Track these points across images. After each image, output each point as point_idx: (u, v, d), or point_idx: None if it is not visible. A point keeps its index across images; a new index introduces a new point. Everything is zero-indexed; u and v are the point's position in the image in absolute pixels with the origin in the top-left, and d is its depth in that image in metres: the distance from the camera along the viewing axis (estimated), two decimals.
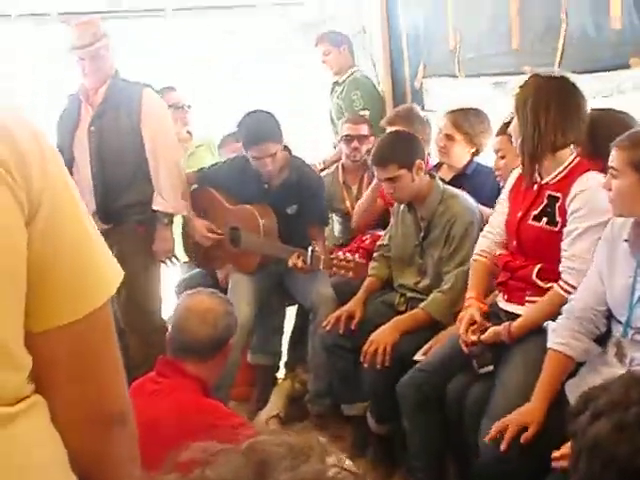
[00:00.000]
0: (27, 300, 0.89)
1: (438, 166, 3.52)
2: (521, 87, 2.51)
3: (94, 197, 3.50)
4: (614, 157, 2.09)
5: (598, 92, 2.77)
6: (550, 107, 2.40)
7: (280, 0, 5.62)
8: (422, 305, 3.00)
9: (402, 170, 2.99)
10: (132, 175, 3.55)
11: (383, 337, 2.94)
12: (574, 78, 2.47)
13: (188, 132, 4.45)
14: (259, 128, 3.40)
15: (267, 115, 3.47)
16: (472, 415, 2.49)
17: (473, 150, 3.37)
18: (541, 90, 2.44)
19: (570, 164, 2.46)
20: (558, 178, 2.47)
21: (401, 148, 3.04)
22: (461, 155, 3.39)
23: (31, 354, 0.91)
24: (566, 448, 1.83)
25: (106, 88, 3.53)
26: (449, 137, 3.35)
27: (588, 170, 2.41)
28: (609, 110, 2.66)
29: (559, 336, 2.23)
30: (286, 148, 3.54)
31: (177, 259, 3.84)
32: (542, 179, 2.51)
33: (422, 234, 3.11)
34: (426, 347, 2.90)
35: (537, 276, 2.48)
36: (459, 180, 3.38)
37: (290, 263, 3.30)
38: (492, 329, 2.52)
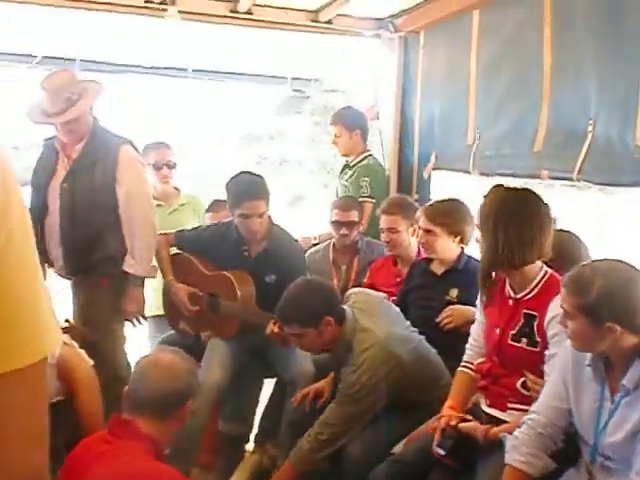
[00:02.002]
0: None
1: (429, 260, 3.50)
2: (484, 199, 2.54)
3: (61, 250, 3.49)
4: (564, 299, 2.10)
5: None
6: (509, 227, 2.43)
7: (300, 75, 5.71)
8: (290, 456, 2.95)
9: (306, 329, 2.90)
10: (101, 232, 3.51)
11: None
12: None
13: (175, 188, 4.44)
14: (251, 185, 3.46)
15: (257, 176, 3.55)
16: None
17: (457, 240, 3.34)
18: (502, 207, 2.47)
19: (543, 278, 2.49)
20: (532, 294, 2.49)
21: (306, 306, 2.91)
22: (447, 248, 3.35)
23: None
24: None
25: (83, 144, 3.50)
26: (428, 232, 3.33)
27: None
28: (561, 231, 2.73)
29: (519, 453, 2.23)
30: (269, 217, 3.56)
31: (144, 318, 3.79)
32: (516, 293, 2.53)
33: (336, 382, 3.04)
34: (405, 441, 2.86)
35: (521, 386, 2.50)
36: (451, 275, 3.37)
37: (268, 330, 3.30)
38: (474, 423, 2.54)
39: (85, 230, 3.47)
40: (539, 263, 2.50)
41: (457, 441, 2.53)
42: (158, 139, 4.42)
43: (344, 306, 3.01)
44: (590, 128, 2.89)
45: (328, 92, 5.41)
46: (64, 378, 2.69)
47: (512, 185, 2.64)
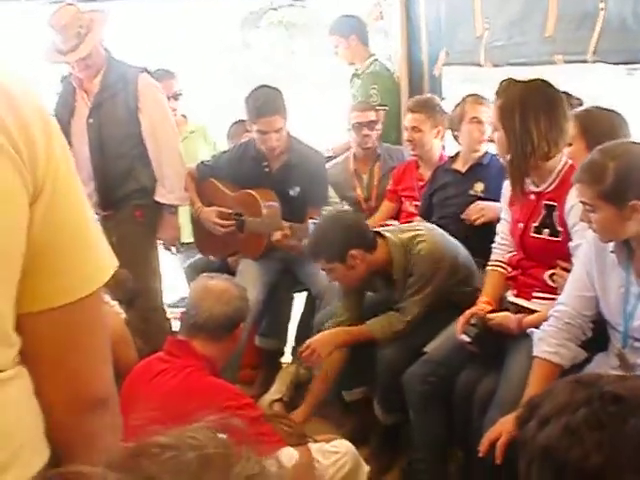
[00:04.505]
0: (21, 281, 0.89)
1: (454, 157, 3.49)
2: (500, 95, 2.47)
3: (95, 186, 3.53)
4: (581, 193, 2.06)
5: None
6: (540, 119, 2.38)
7: None
8: (368, 323, 2.94)
9: (333, 264, 2.86)
10: (131, 164, 3.56)
11: (320, 344, 2.91)
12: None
13: (183, 116, 4.42)
14: (267, 101, 3.43)
15: (274, 90, 3.51)
16: (480, 408, 2.50)
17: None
18: (527, 100, 2.41)
19: (562, 169, 2.47)
20: (553, 186, 2.48)
21: (329, 242, 2.84)
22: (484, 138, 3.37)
23: (22, 333, 0.92)
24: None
25: (101, 77, 3.49)
26: (478, 120, 3.33)
27: None
28: (595, 107, 2.69)
29: (548, 344, 2.24)
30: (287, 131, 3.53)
31: (181, 245, 3.86)
32: (537, 187, 2.52)
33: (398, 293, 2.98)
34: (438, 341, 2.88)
35: (549, 277, 2.52)
36: (476, 170, 3.37)
37: (273, 239, 3.35)
38: (504, 313, 2.55)
39: (116, 163, 3.53)
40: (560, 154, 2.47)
41: (483, 331, 2.55)
42: (162, 67, 4.32)
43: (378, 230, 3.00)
44: (602, 5, 2.81)
45: (284, 7, 5.31)
46: None
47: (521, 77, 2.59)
